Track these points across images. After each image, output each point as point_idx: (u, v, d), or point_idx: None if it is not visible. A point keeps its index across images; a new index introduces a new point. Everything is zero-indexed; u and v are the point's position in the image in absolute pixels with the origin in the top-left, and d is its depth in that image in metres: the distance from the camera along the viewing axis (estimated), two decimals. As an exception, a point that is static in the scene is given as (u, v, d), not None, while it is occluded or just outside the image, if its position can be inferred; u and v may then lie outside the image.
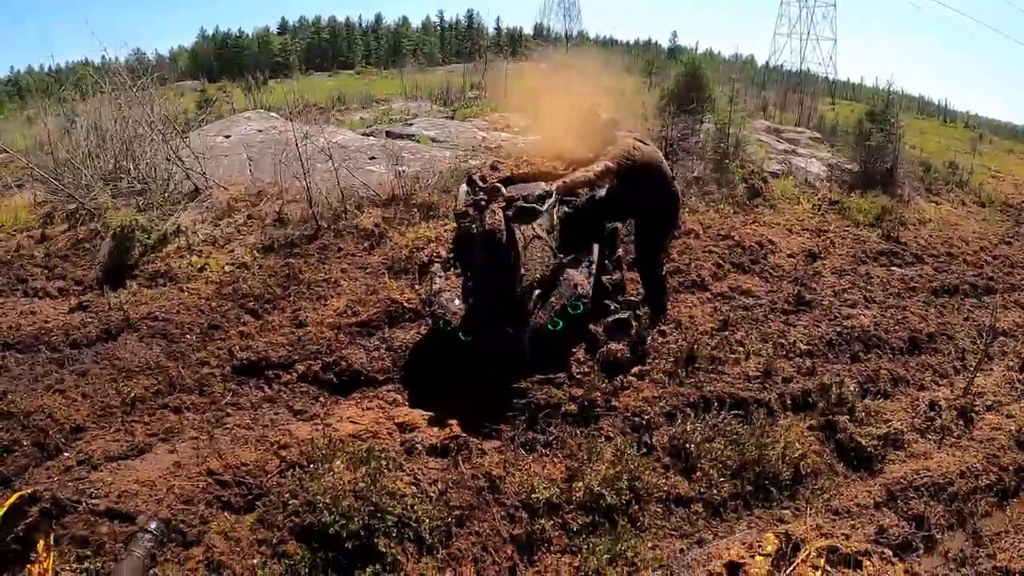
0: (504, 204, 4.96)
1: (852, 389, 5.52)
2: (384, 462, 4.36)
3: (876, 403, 5.65)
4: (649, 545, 3.98)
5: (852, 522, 4.40)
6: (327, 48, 56.06)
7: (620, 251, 6.13)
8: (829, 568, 3.03)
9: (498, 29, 52.79)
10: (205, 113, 14.16)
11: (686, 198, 8.41)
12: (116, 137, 10.29)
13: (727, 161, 9.52)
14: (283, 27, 58.73)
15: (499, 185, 5.37)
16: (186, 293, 7.28)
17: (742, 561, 2.94)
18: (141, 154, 10.09)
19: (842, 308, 6.78)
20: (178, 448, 4.90)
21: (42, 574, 1.97)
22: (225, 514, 4.12)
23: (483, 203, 5.10)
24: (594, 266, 5.37)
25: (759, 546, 3.01)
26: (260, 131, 12.22)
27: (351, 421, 5.04)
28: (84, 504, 2.06)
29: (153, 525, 2.25)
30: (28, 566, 1.97)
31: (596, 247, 5.51)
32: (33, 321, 7.23)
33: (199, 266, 7.75)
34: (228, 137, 11.99)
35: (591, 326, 5.35)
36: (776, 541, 3.05)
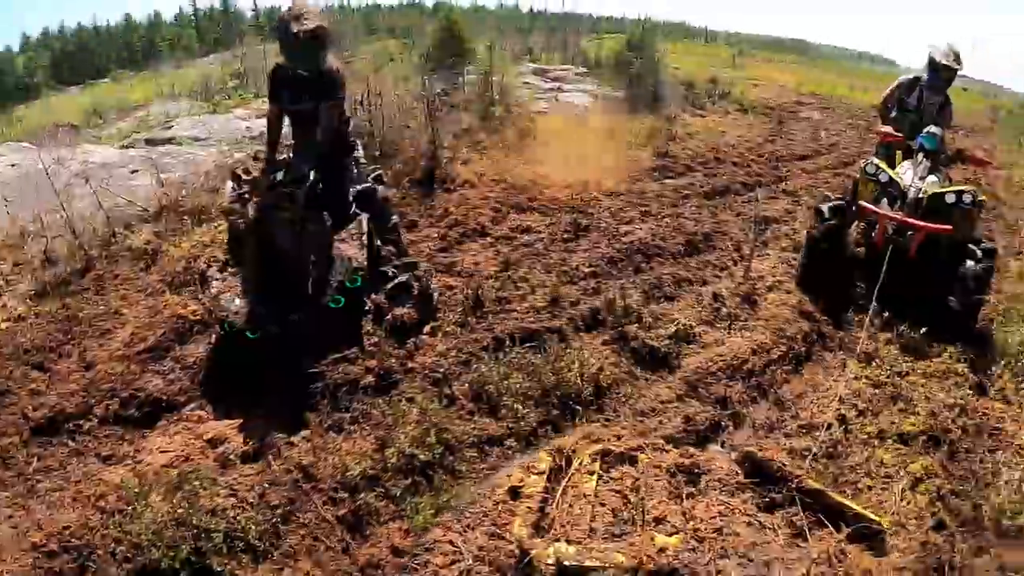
0: (266, 193, 4.90)
1: (636, 298, 5.84)
2: (198, 482, 4.23)
3: (662, 306, 6.02)
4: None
5: (659, 419, 4.68)
6: (78, 58, 51.31)
7: (395, 217, 6.14)
8: (603, 471, 3.24)
9: (256, 11, 49.92)
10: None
11: (457, 151, 8.55)
12: None
13: (493, 108, 9.71)
14: (25, 45, 53.28)
15: (259, 176, 5.27)
16: (-38, 365, 6.63)
17: (521, 484, 3.08)
18: None
19: (619, 226, 7.13)
20: (-7, 534, 4.53)
21: None
22: (60, 585, 3.88)
23: (247, 196, 4.99)
24: (365, 236, 5.35)
25: (534, 467, 3.16)
26: (13, 165, 11.14)
27: (161, 451, 4.79)
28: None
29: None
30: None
31: (365, 217, 5.49)
32: None
33: (-31, 331, 7.05)
34: (-24, 179, 10.86)
35: (374, 296, 5.36)
36: (549, 458, 3.22)
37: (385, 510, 4.13)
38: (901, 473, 4.17)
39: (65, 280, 7.34)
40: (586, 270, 6.33)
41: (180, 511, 3.99)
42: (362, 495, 4.17)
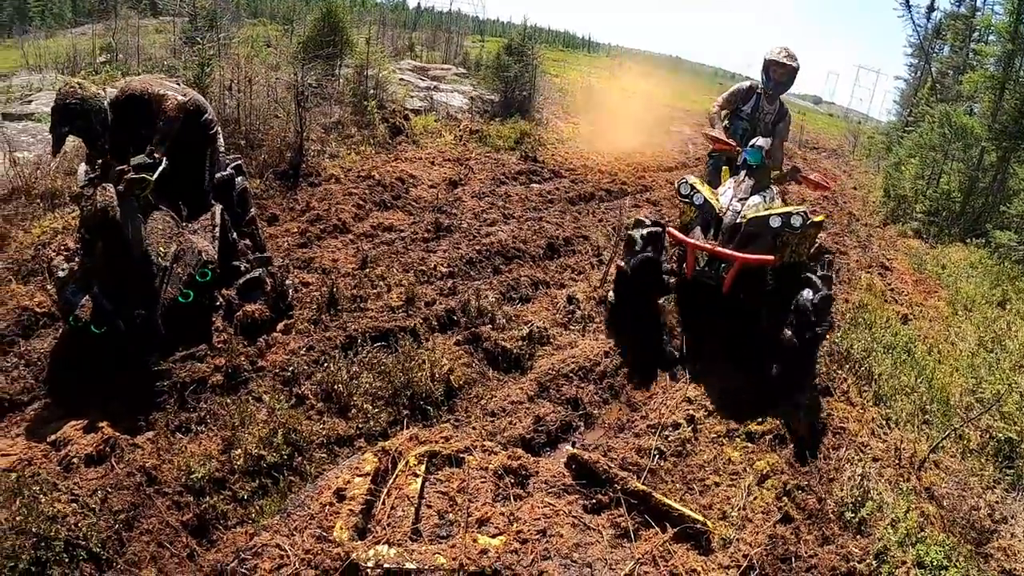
0: (116, 178, 4.71)
1: (492, 300, 5.93)
2: (38, 487, 4.04)
3: (516, 308, 6.13)
4: (266, 518, 3.96)
5: (510, 419, 4.76)
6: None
7: (253, 211, 6.05)
8: (429, 472, 3.31)
9: (135, -20, 47.02)
10: None
11: (325, 145, 8.48)
12: None
13: (366, 103, 9.66)
14: None
15: (112, 160, 5.08)
16: None
17: (347, 486, 3.12)
18: None
19: (482, 228, 7.24)
20: None
21: None
22: None
23: (99, 181, 4.80)
24: (219, 229, 5.25)
25: (358, 468, 3.21)
26: None
27: (3, 455, 4.50)
28: None
29: None
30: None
31: (219, 208, 5.39)
32: None
33: None
34: None
35: (225, 291, 5.28)
36: (375, 460, 3.26)
37: (232, 513, 4.07)
38: (748, 470, 4.41)
39: (-102, 266, 6.84)
40: (444, 270, 6.42)
41: (19, 518, 3.82)
42: (208, 498, 4.09)
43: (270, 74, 9.98)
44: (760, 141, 5.86)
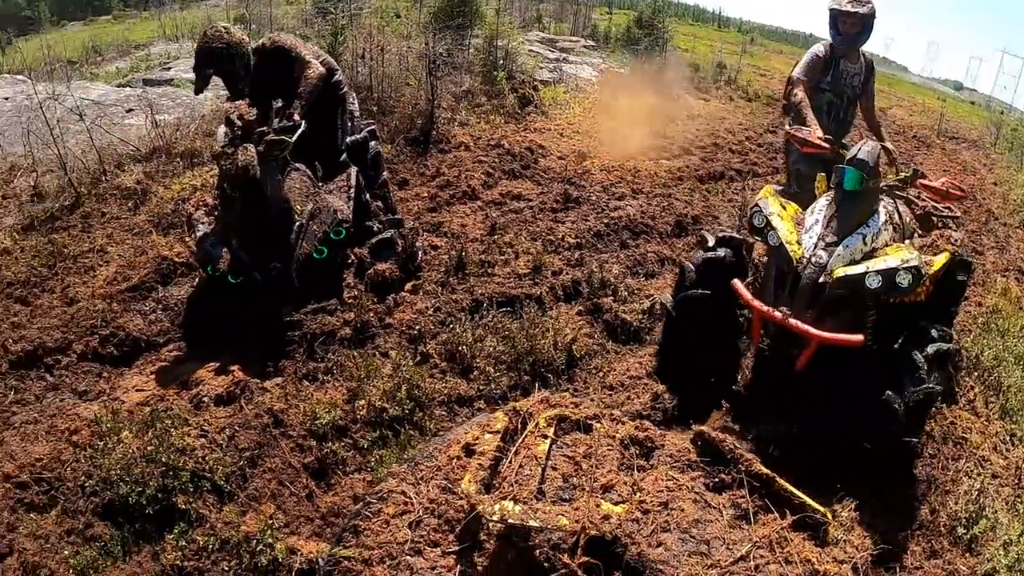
0: (256, 139, 4.87)
1: (616, 273, 5.83)
2: (170, 421, 4.27)
3: (638, 281, 6.02)
4: (393, 463, 3.98)
5: (628, 394, 4.69)
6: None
7: (385, 174, 6.15)
8: (557, 436, 3.27)
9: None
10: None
11: (455, 113, 8.53)
12: None
13: (496, 73, 9.65)
14: (28, -24, 52.17)
15: (253, 121, 5.25)
16: (-56, 295, 6.67)
17: (476, 442, 3.11)
18: None
19: (610, 201, 7.11)
20: (-32, 461, 4.58)
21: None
22: (31, 515, 3.88)
23: (239, 142, 4.99)
24: (353, 190, 5.36)
25: (489, 425, 3.19)
26: (7, 98, 11.08)
27: (137, 390, 4.84)
28: None
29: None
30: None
31: (354, 170, 5.50)
32: None
33: (-47, 263, 7.08)
34: (-31, 111, 10.84)
35: (357, 249, 5.39)
36: (505, 419, 3.24)
37: (351, 460, 4.20)
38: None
39: (53, 216, 7.36)
40: (572, 241, 6.33)
41: (150, 448, 4.04)
42: (330, 444, 4.24)
43: (401, 43, 10.13)
44: (864, 153, 4.00)
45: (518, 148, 7.71)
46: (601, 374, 4.90)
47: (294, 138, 4.96)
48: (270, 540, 3.64)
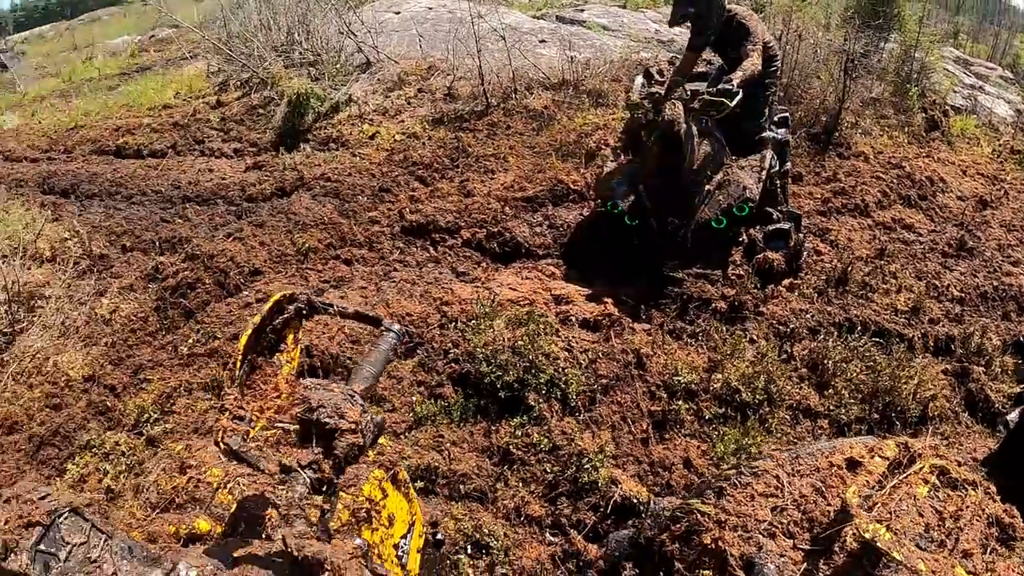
0: (688, 97, 5.00)
1: (995, 343, 5.33)
2: (541, 326, 4.75)
3: (1016, 362, 5.49)
4: (773, 446, 4.09)
5: None
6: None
7: (788, 164, 6.09)
8: (938, 485, 3.21)
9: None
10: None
11: (860, 119, 8.18)
12: (290, 10, 10.97)
13: (908, 86, 9.03)
14: None
15: (680, 79, 5.47)
16: (357, 158, 7.86)
17: (862, 460, 3.14)
18: (314, 27, 10.72)
19: (1003, 264, 6.43)
20: (348, 295, 5.47)
21: (289, 362, 2.39)
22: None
23: (658, 96, 5.19)
24: (763, 172, 5.38)
25: (879, 450, 3.20)
26: (430, 8, 12.52)
27: (510, 288, 5.43)
28: (334, 307, 2.49)
29: (396, 327, 2.70)
30: (277, 354, 2.40)
31: (769, 153, 5.51)
32: (211, 177, 8.09)
33: (370, 134, 8.34)
34: (398, 13, 12.45)
35: (751, 231, 5.44)
36: (896, 449, 3.23)
37: (689, 425, 4.39)
38: None
39: (461, 116, 8.28)
40: (956, 293, 5.86)
41: (520, 343, 4.54)
42: (678, 402, 4.45)
43: (818, 33, 9.81)
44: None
45: (919, 175, 7.22)
46: (946, 443, 4.55)
47: (733, 103, 4.98)
48: (597, 463, 3.99)
